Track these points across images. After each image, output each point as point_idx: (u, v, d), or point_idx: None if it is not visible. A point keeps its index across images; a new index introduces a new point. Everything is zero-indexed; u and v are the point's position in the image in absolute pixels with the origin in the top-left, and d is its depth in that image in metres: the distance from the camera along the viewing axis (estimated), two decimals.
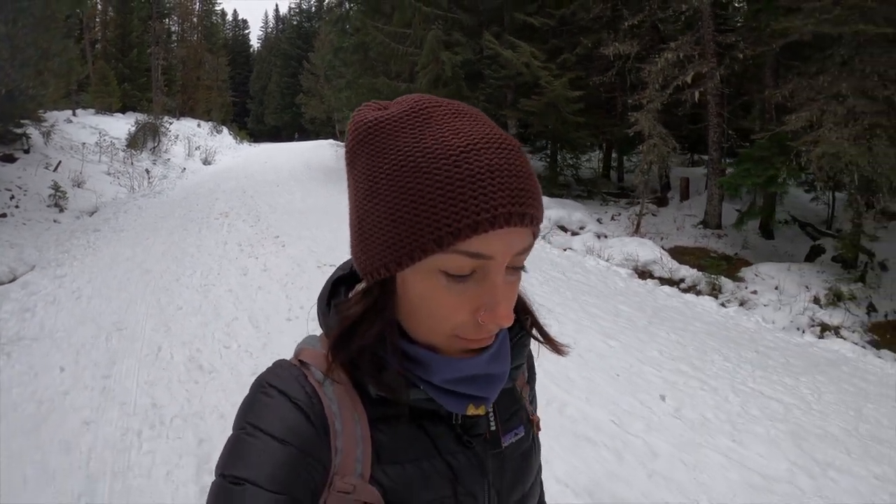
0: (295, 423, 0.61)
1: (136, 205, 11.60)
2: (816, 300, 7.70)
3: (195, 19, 39.12)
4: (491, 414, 0.73)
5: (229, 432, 0.62)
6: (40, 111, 14.00)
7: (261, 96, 55.88)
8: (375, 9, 14.96)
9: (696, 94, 10.16)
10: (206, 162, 21.04)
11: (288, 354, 0.70)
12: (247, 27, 64.90)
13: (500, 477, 0.72)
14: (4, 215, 9.75)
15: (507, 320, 0.60)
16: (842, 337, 6.78)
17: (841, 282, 7.98)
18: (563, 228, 10.57)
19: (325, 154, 21.82)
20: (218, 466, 0.61)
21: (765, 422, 4.00)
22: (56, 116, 16.35)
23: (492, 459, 0.72)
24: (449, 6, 13.17)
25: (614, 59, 11.20)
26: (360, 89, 16.12)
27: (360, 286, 0.69)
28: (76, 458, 3.10)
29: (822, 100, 8.03)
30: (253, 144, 34.02)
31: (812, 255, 9.60)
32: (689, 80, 10.09)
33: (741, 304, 7.62)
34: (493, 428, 0.73)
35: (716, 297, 7.73)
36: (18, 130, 13.05)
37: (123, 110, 24.59)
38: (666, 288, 7.65)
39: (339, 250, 7.23)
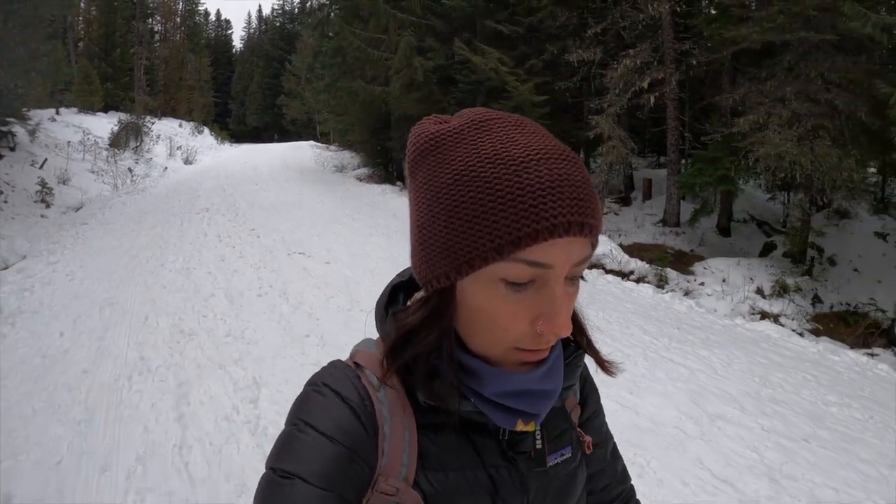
0: (346, 422, 0.63)
1: (121, 201, 12.23)
2: (760, 291, 8.39)
3: (178, 19, 39.54)
4: (538, 432, 0.73)
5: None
6: (24, 109, 14.49)
7: (242, 97, 56.27)
8: (355, 14, 15.65)
9: (652, 99, 10.95)
10: (187, 162, 21.61)
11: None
12: (230, 27, 65.36)
13: (541, 495, 0.74)
14: None
15: (566, 330, 0.62)
16: (780, 324, 7.37)
17: (787, 275, 8.68)
18: None
19: (304, 155, 22.51)
20: (268, 460, 0.64)
21: (667, 382, 4.72)
22: (40, 115, 16.76)
23: (535, 477, 0.73)
24: (423, 13, 13.92)
25: (579, 66, 11.94)
26: (338, 92, 16.82)
27: (419, 294, 0.71)
28: (77, 396, 3.83)
29: (769, 103, 8.78)
30: (234, 145, 34.57)
31: (765, 252, 10.34)
32: (645, 85, 10.88)
33: (686, 294, 8.37)
34: (539, 446, 0.73)
35: (661, 288, 8.50)
36: (4, 128, 13.53)
37: (106, 109, 25.14)
38: (610, 277, 8.46)
39: (307, 242, 8.06)
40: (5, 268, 7.47)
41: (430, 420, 0.67)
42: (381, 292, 0.76)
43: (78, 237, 8.59)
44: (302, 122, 38.57)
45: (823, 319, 7.96)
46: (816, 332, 7.42)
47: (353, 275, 6.60)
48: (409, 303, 0.72)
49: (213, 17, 61.76)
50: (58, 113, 20.64)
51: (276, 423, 3.60)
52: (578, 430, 0.82)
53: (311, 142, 31.19)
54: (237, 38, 75.28)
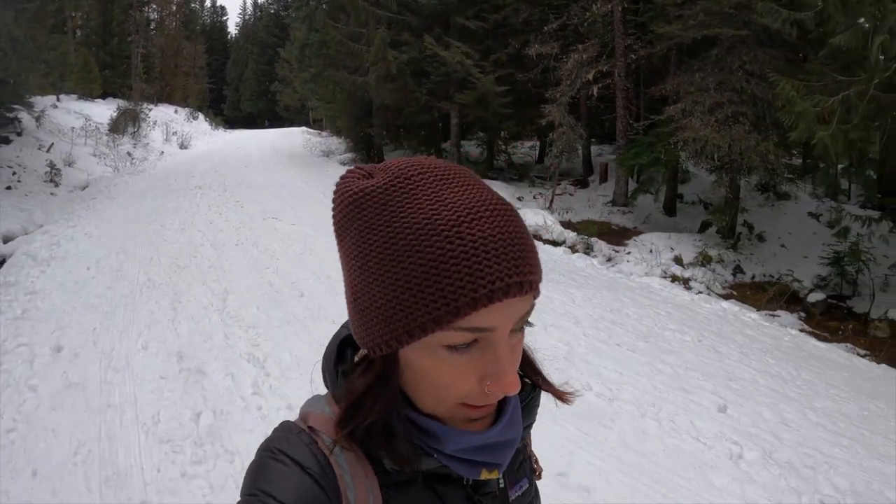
0: (308, 492, 0.63)
1: (123, 181, 14.01)
2: (678, 259, 10.08)
3: (174, 7, 41.20)
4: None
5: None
6: (27, 97, 15.88)
7: (237, 83, 58.25)
8: (340, 8, 17.31)
9: (595, 90, 12.67)
10: (182, 146, 23.37)
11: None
12: (225, 14, 67.23)
13: None
14: (10, 188, 11.99)
15: (514, 388, 0.62)
16: (689, 288, 8.82)
17: (712, 248, 10.15)
18: None
19: (294, 141, 24.34)
20: None
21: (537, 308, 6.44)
22: (43, 102, 18.31)
23: None
24: (399, 10, 15.62)
25: (538, 59, 13.60)
26: (323, 82, 18.56)
27: (364, 351, 0.70)
28: (103, 300, 5.72)
29: (695, 92, 10.23)
30: (228, 131, 36.62)
31: (702, 229, 11.80)
32: (591, 77, 12.58)
33: (608, 260, 10.08)
34: (501, 485, 0.76)
35: (588, 254, 10.18)
36: (10, 115, 15.06)
37: (104, 96, 26.83)
38: (538, 243, 10.21)
39: (281, 211, 10.02)
40: (26, 234, 9.25)
41: (393, 479, 0.67)
42: (328, 345, 0.76)
43: (89, 209, 10.37)
44: (295, 109, 40.07)
45: (741, 287, 9.37)
46: (729, 297, 8.76)
47: (313, 232, 8.45)
48: (356, 357, 0.71)
49: (208, 4, 63.61)
50: (58, 100, 22.03)
51: (236, 310, 5.55)
52: (533, 457, 0.87)
53: (304, 128, 32.97)
54: (232, 25, 76.90)
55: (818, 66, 7.97)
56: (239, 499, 0.65)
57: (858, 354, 6.69)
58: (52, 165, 13.29)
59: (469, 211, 0.59)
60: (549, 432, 3.55)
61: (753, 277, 9.80)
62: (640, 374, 4.84)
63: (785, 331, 7.01)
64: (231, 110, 57.15)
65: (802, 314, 8.40)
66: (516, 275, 0.58)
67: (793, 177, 11.78)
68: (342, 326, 0.76)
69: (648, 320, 6.40)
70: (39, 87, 16.61)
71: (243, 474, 0.65)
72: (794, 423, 4.12)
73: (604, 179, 15.35)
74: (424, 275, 0.57)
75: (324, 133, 27.42)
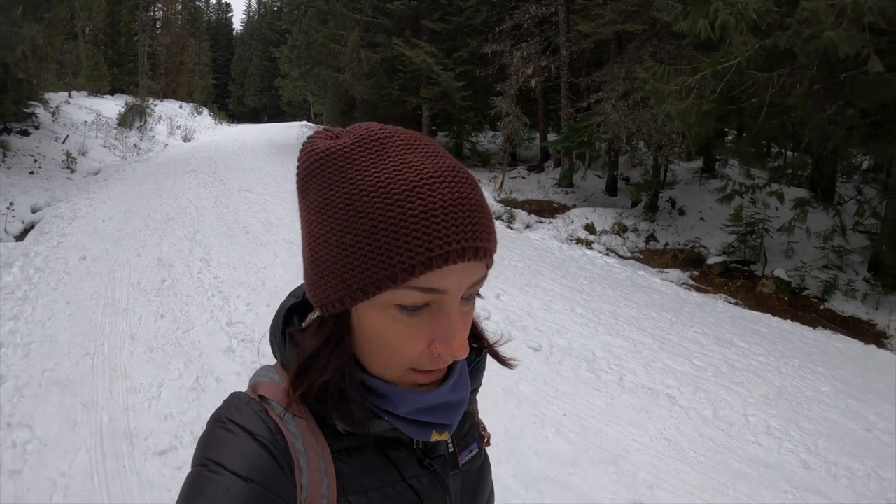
0: (259, 460, 0.65)
1: (130, 168, 16.76)
2: (590, 228, 12.46)
3: (179, 6, 44.02)
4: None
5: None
6: (43, 94, 18.31)
7: (242, 78, 61.24)
8: (325, 12, 19.85)
9: (535, 83, 15.07)
10: (185, 139, 26.06)
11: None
12: (230, 10, 70.20)
13: (459, 495, 0.81)
14: (33, 172, 14.57)
15: (463, 352, 0.66)
16: (591, 248, 11.16)
17: (627, 218, 12.26)
18: None
19: (290, 134, 27.02)
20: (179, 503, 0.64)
21: None
22: (57, 98, 20.86)
23: (451, 479, 0.80)
24: (374, 13, 18.19)
25: (493, 56, 16.02)
26: (311, 79, 21.20)
27: (314, 315, 0.76)
28: (113, 236, 8.42)
29: (610, 82, 12.36)
30: (232, 125, 39.56)
31: (634, 205, 14.00)
32: (530, 71, 14.98)
33: (526, 227, 12.56)
34: (451, 450, 0.82)
35: (509, 223, 12.51)
36: (28, 110, 17.43)
37: (112, 93, 29.65)
38: None
39: (255, 186, 12.85)
40: (49, 206, 11.96)
41: (344, 444, 0.72)
42: (275, 314, 0.80)
43: (102, 188, 13.09)
44: (297, 104, 42.44)
45: (650, 252, 11.16)
46: (637, 259, 10.82)
47: (272, 199, 11.33)
48: (304, 324, 0.77)
49: (213, 1, 66.81)
50: (70, 96, 24.38)
51: (200, 239, 8.22)
52: (481, 424, 0.93)
53: (304, 122, 35.71)
54: (237, 21, 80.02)
55: (690, 51, 9.49)
56: (190, 470, 0.67)
57: (728, 302, 8.38)
58: (67, 154, 15.69)
59: (432, 175, 0.64)
60: None
61: (666, 245, 11.41)
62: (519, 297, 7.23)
63: (658, 280, 9.03)
64: (236, 105, 60.37)
65: (696, 273, 10.05)
66: (472, 240, 0.63)
67: (723, 157, 13.88)
68: (289, 296, 0.82)
69: (521, 265, 8.72)
70: (54, 85, 19.16)
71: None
72: (583, 317, 6.63)
73: (557, 164, 17.69)
74: (384, 232, 0.61)
75: (323, 127, 29.67)
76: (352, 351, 0.71)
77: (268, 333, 0.81)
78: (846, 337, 7.28)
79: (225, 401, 0.74)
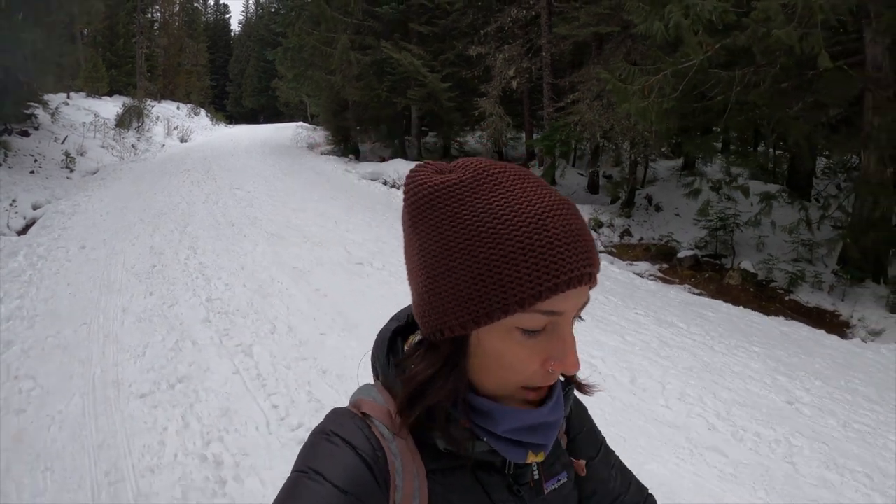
0: (358, 474, 0.70)
1: (127, 167, 17.53)
2: None
3: (177, 7, 44.78)
4: (534, 463, 0.83)
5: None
6: (42, 95, 18.85)
7: (239, 80, 62.11)
8: (318, 14, 20.51)
9: (515, 84, 15.70)
10: (182, 140, 26.75)
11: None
12: (228, 12, 71.04)
13: None
14: (33, 172, 15.16)
15: (577, 367, 0.72)
16: None
17: (603, 214, 12.70)
18: None
19: (286, 135, 27.87)
20: None
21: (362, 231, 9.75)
22: (56, 100, 21.29)
23: None
24: (364, 17, 18.88)
25: (477, 58, 16.53)
26: (305, 81, 21.92)
27: (415, 338, 0.81)
28: (110, 229, 9.18)
29: (586, 82, 12.78)
30: (229, 126, 40.35)
31: (613, 201, 14.35)
32: (511, 73, 15.62)
33: None
34: (536, 477, 0.84)
35: None
36: (28, 112, 17.89)
37: (111, 94, 30.24)
38: (396, 191, 14.00)
39: (244, 184, 13.73)
40: (49, 203, 12.70)
41: (440, 465, 0.76)
42: (378, 336, 0.85)
43: (100, 186, 13.87)
44: (294, 105, 42.87)
45: (622, 247, 11.44)
46: (611, 252, 11.17)
47: (259, 195, 12.26)
48: (405, 347, 0.82)
49: (211, 2, 67.68)
50: (69, 97, 24.58)
51: (190, 231, 9.04)
52: (569, 456, 0.95)
53: (299, 123, 36.16)
54: (235, 23, 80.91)
55: (655, 51, 9.56)
56: (289, 475, 0.73)
57: (692, 293, 8.78)
58: (66, 154, 16.25)
59: (550, 207, 0.69)
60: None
61: (641, 239, 11.78)
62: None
63: (617, 269, 9.50)
64: (233, 106, 61.18)
65: (665, 266, 10.41)
66: (587, 266, 0.69)
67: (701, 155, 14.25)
68: (392, 319, 0.86)
69: None
70: (53, 87, 19.80)
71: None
72: None
73: (542, 163, 18.34)
74: (513, 261, 0.66)
75: (319, 128, 29.84)
76: (467, 374, 0.74)
77: (369, 354, 0.86)
78: (801, 324, 7.51)
79: (327, 416, 0.79)
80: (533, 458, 0.77)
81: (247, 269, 7.38)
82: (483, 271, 0.67)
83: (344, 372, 4.75)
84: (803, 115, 8.93)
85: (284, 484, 0.72)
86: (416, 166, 0.77)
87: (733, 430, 4.27)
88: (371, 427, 0.75)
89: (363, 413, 0.77)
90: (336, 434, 0.74)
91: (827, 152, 12.35)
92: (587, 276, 0.68)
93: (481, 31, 16.41)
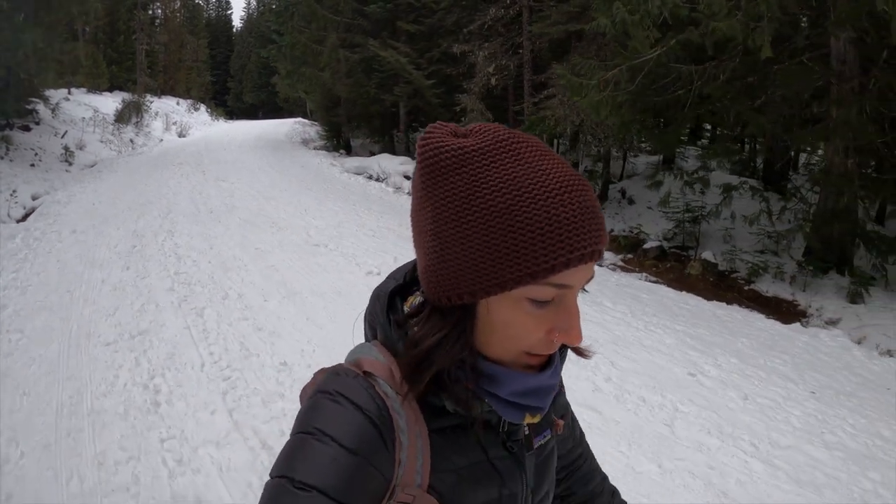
0: (366, 434, 0.71)
1: (124, 161, 18.49)
2: None
3: (178, 3, 45.70)
4: None
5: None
6: (43, 91, 19.42)
7: (240, 75, 63.14)
8: (310, 12, 21.33)
9: (494, 80, 16.43)
10: (180, 135, 27.62)
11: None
12: (229, 7, 71.98)
13: (532, 476, 0.89)
14: (33, 165, 15.97)
15: (580, 339, 0.75)
16: None
17: None
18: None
19: (282, 130, 28.75)
20: (280, 467, 0.71)
21: (334, 214, 10.57)
22: (57, 95, 22.04)
23: (527, 459, 0.88)
24: (353, 16, 19.69)
25: (461, 56, 17.20)
26: (298, 77, 22.77)
27: (417, 300, 0.82)
28: (101, 216, 10.11)
29: (558, 78, 13.50)
30: (229, 121, 41.23)
31: None
32: (490, 70, 16.35)
33: None
34: (527, 433, 0.89)
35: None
36: (29, 107, 18.36)
37: (111, 89, 31.07)
38: (375, 184, 14.96)
39: (230, 175, 14.77)
40: (47, 194, 13.61)
41: (440, 424, 0.78)
42: (374, 295, 0.85)
43: (96, 178, 14.83)
44: (293, 101, 43.43)
45: None
46: None
47: (242, 186, 13.30)
48: (406, 307, 0.82)
49: None
50: (69, 93, 25.49)
51: (171, 217, 9.98)
52: (571, 413, 1.05)
53: (298, 119, 36.80)
54: (237, 18, 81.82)
55: (616, 47, 9.61)
56: (289, 438, 0.73)
57: (649, 280, 9.03)
58: (66, 149, 17.11)
59: (568, 182, 0.69)
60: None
61: (611, 231, 11.84)
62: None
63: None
64: (234, 101, 62.10)
65: (629, 256, 10.55)
66: (598, 243, 0.70)
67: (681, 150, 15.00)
68: (389, 278, 0.85)
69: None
70: (54, 83, 20.29)
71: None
72: None
73: None
74: (529, 233, 0.67)
75: (317, 124, 30.05)
76: (473, 339, 0.76)
77: (362, 312, 0.88)
78: (746, 310, 7.67)
79: (327, 375, 0.80)
80: (530, 420, 0.81)
81: (214, 249, 8.28)
82: (499, 242, 0.68)
83: (276, 329, 5.67)
84: (767, 109, 9.29)
85: (288, 444, 0.73)
86: (430, 127, 0.77)
87: (618, 394, 4.52)
88: (374, 386, 0.76)
89: (365, 372, 0.77)
90: (340, 393, 0.75)
91: (795, 146, 12.81)
92: (598, 253, 0.70)
93: (465, 30, 17.00)
